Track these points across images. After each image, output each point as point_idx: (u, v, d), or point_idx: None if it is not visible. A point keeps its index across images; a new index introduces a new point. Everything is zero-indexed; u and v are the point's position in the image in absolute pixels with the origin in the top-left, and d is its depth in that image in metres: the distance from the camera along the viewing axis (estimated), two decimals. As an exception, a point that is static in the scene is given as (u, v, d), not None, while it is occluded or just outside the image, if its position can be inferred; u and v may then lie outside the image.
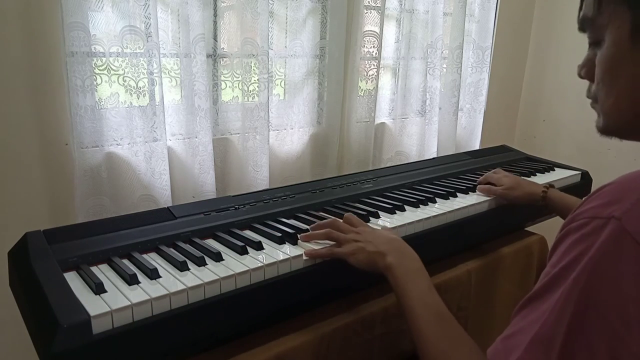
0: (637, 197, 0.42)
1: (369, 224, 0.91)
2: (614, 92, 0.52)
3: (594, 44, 0.53)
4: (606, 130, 0.54)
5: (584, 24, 0.53)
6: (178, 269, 0.71)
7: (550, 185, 1.08)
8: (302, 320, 0.80)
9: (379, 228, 0.85)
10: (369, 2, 1.46)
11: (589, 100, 0.57)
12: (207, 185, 1.19)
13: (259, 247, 0.78)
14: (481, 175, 1.21)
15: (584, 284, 0.42)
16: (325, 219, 0.92)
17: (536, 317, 0.45)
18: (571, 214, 0.47)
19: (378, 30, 1.48)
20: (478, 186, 1.14)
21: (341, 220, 0.84)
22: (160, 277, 0.68)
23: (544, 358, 0.43)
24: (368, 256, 0.74)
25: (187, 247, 0.78)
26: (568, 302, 0.43)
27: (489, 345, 0.51)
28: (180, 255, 0.74)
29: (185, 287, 0.65)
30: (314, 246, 0.80)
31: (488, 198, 1.09)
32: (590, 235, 0.43)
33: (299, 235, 0.82)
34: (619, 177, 0.46)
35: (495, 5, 1.86)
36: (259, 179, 1.27)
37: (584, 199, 0.47)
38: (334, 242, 0.80)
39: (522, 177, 1.19)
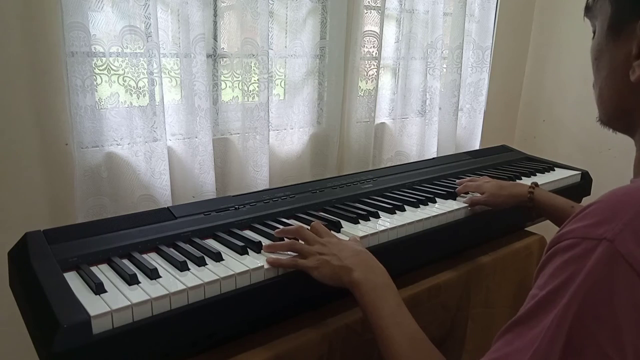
0: (630, 217, 0.40)
1: (368, 223, 0.91)
2: (599, 83, 0.53)
3: (594, 33, 0.55)
4: (600, 120, 0.55)
5: (586, 12, 0.55)
6: (178, 269, 0.71)
7: (535, 184, 1.04)
8: (302, 320, 0.80)
9: (346, 239, 0.80)
10: (369, 2, 1.46)
11: (589, 100, 0.58)
12: (207, 185, 1.19)
13: (258, 247, 0.78)
14: (482, 175, 1.20)
15: (577, 309, 0.40)
16: (325, 219, 0.92)
17: (526, 343, 0.42)
18: (558, 232, 0.45)
19: (378, 30, 1.47)
20: (464, 200, 1.07)
21: (307, 228, 0.80)
22: (160, 277, 0.68)
23: None
24: (332, 271, 0.71)
25: (187, 247, 0.78)
26: (560, 328, 0.40)
27: (489, 347, 0.49)
28: (180, 255, 0.74)
29: (185, 287, 0.65)
30: (278, 256, 0.76)
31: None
32: (581, 257, 0.41)
33: (263, 245, 0.78)
34: (607, 192, 0.44)
35: (495, 5, 1.86)
36: (259, 179, 1.27)
37: (571, 217, 0.45)
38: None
39: (503, 181, 1.13)
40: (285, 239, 0.81)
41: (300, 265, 0.74)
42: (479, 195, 1.06)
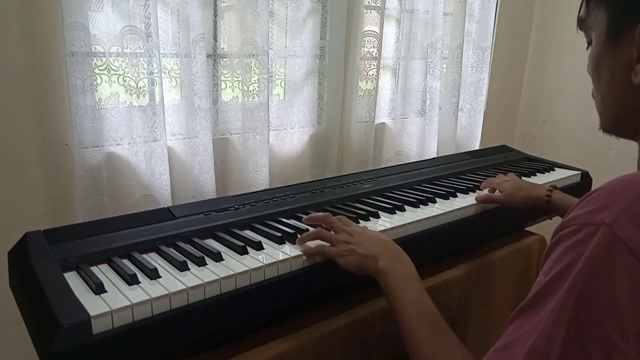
0: (628, 202, 0.42)
1: (368, 223, 0.91)
2: (600, 90, 0.55)
3: (589, 44, 0.56)
4: (602, 128, 0.57)
5: (579, 25, 0.57)
6: (178, 269, 0.71)
7: (553, 187, 1.04)
8: (302, 320, 0.80)
9: (371, 229, 0.83)
10: (369, 2, 1.46)
11: (589, 100, 0.59)
12: (207, 185, 1.19)
13: (259, 247, 0.78)
14: (482, 175, 1.20)
15: (579, 292, 0.41)
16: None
17: (531, 327, 0.44)
18: (562, 220, 0.46)
19: (378, 30, 1.47)
20: (476, 196, 1.07)
21: (333, 218, 0.82)
22: (160, 277, 0.68)
23: None
24: (359, 259, 0.72)
25: (187, 247, 0.78)
26: (563, 311, 0.42)
27: (489, 347, 0.50)
28: (180, 255, 0.74)
29: (185, 287, 0.65)
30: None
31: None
32: (582, 242, 0.42)
33: (298, 236, 0.82)
34: (607, 181, 0.45)
35: (495, 5, 1.86)
36: (259, 179, 1.27)
37: (574, 205, 0.46)
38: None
39: (523, 180, 1.14)
40: (311, 228, 0.83)
41: (327, 253, 0.76)
42: (496, 193, 1.06)
